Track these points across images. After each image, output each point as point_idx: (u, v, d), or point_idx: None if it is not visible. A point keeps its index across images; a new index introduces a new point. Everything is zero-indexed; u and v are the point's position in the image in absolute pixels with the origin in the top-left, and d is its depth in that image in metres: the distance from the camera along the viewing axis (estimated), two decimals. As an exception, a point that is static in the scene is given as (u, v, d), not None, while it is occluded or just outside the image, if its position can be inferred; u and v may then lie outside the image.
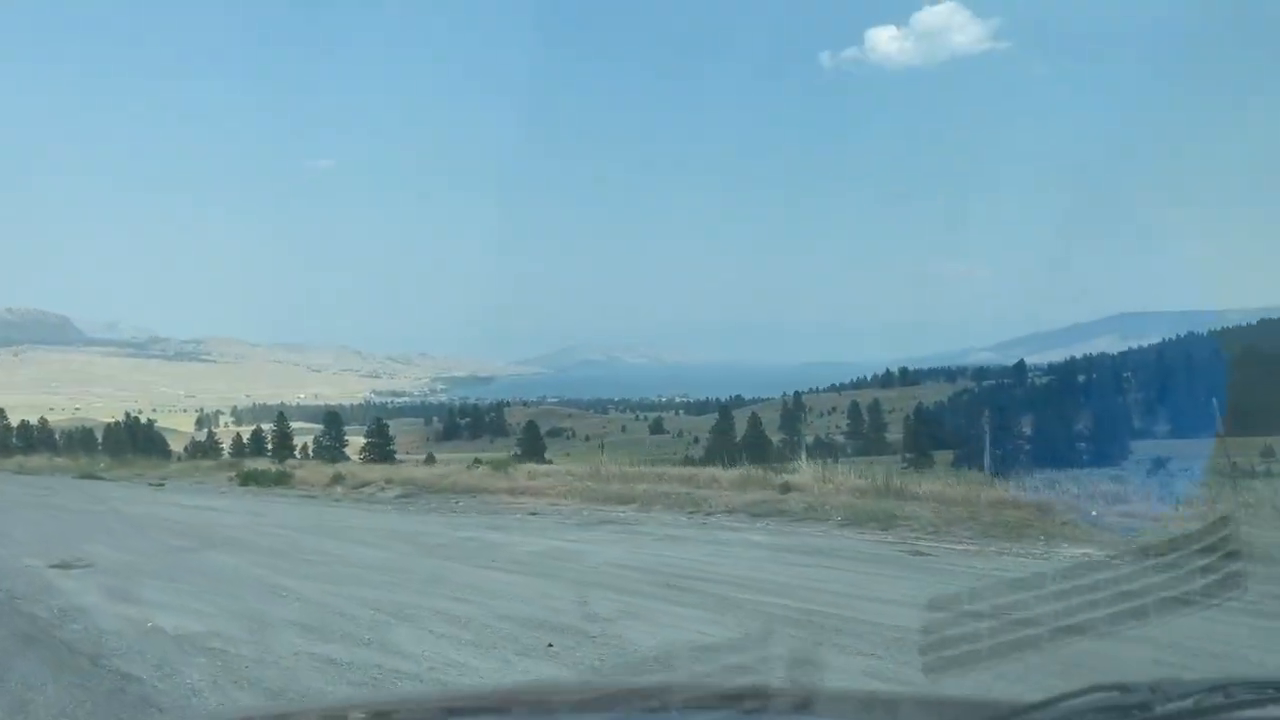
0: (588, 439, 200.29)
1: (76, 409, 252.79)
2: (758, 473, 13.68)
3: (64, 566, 9.69)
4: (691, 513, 12.29)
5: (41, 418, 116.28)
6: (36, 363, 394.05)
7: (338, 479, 19.67)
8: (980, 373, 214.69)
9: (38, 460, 34.57)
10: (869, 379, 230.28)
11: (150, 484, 23.39)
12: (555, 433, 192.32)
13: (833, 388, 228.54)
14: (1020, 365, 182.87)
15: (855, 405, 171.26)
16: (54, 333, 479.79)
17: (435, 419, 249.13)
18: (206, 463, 29.29)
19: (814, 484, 12.32)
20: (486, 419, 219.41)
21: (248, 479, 21.68)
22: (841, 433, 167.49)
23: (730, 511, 11.94)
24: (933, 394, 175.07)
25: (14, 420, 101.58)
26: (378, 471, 20.42)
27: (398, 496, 16.98)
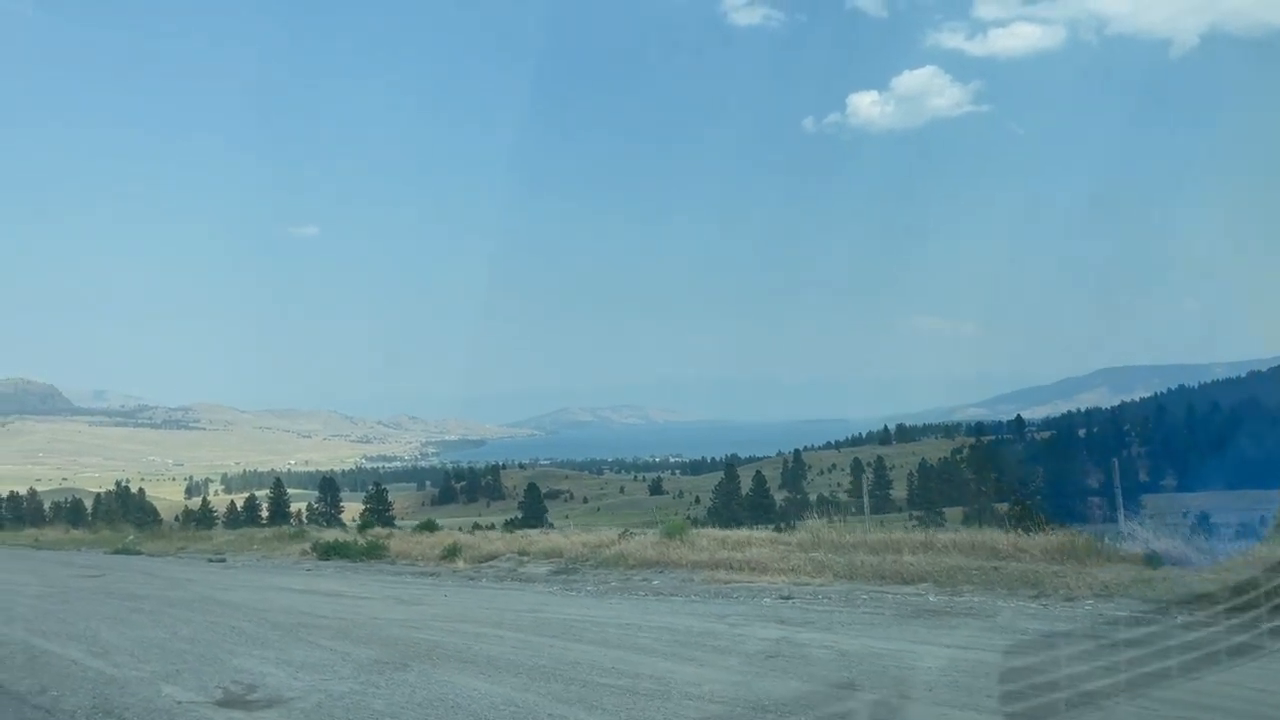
0: (585, 500, 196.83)
1: (64, 479, 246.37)
2: (1074, 539, 10.51)
3: (240, 704, 6.46)
4: (1036, 596, 9.12)
5: (30, 488, 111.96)
6: (24, 433, 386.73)
7: (453, 551, 16.36)
8: (978, 428, 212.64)
9: (54, 533, 31.07)
10: (865, 436, 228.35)
11: (208, 559, 20.03)
12: (553, 495, 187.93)
13: (830, 445, 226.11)
14: (1019, 420, 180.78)
15: (858, 462, 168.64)
16: (42, 403, 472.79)
17: (429, 483, 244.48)
18: (262, 533, 25.83)
19: (1193, 554, 9.21)
20: (482, 482, 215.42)
21: (329, 552, 18.37)
22: (845, 491, 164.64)
23: (1104, 595, 8.79)
24: (932, 450, 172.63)
25: (3, 491, 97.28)
26: (498, 541, 17.14)
27: (553, 573, 13.71)
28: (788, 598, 10.23)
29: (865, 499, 18.86)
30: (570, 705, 5.95)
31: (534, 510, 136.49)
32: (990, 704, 5.54)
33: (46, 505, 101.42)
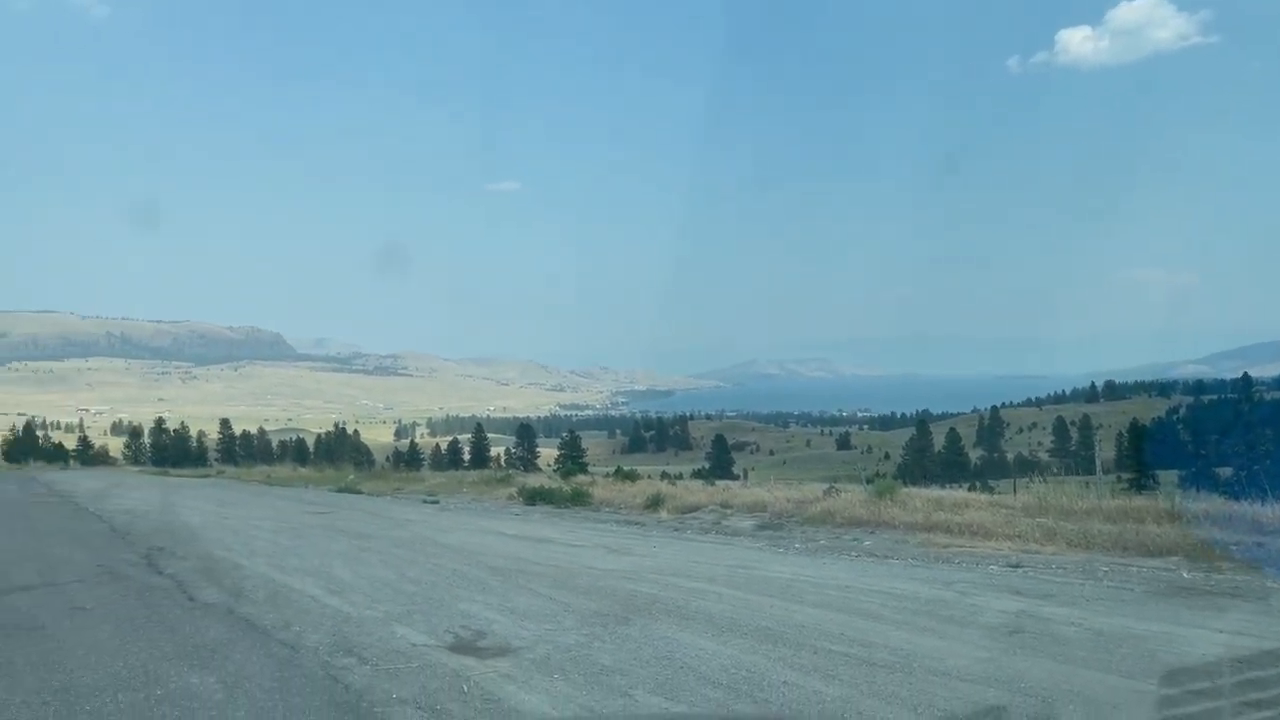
0: (772, 453, 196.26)
1: (289, 420, 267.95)
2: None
3: (471, 651, 6.52)
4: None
5: (260, 428, 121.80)
6: (254, 377, 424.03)
7: (656, 501, 16.42)
8: (1197, 387, 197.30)
9: (283, 471, 33.55)
10: (1069, 393, 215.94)
11: (423, 500, 21.02)
12: (739, 446, 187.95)
13: (1030, 402, 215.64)
14: (1245, 379, 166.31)
15: (1061, 421, 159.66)
16: (269, 349, 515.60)
17: (619, 431, 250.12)
18: (469, 476, 27.00)
19: None
20: (670, 432, 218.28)
21: (535, 497, 18.89)
22: (1045, 450, 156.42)
23: (1405, 581, 7.71)
24: (1144, 410, 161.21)
25: (237, 430, 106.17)
26: (700, 493, 17.12)
27: (758, 528, 13.48)
28: (1016, 566, 9.55)
29: (1097, 460, 17.56)
30: (804, 674, 5.64)
31: (721, 461, 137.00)
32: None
33: (275, 444, 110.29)
